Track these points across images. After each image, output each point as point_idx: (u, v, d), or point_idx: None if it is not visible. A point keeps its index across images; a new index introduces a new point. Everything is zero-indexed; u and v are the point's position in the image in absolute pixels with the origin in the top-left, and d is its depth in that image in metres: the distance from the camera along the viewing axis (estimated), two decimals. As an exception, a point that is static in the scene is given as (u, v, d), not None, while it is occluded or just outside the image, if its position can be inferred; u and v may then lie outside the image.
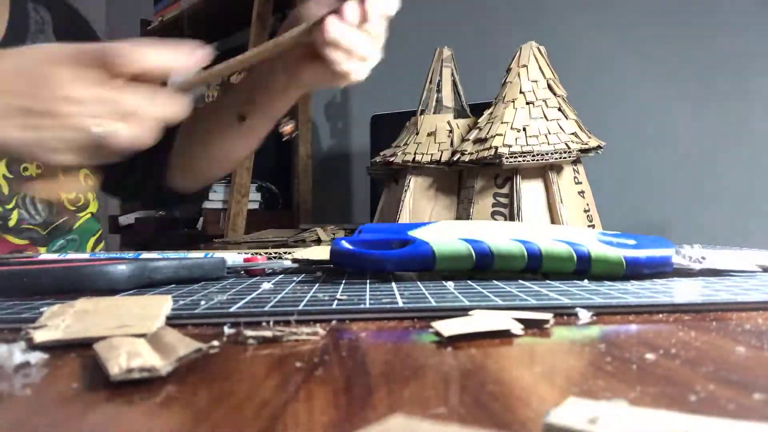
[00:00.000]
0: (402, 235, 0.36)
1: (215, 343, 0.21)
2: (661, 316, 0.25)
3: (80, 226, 0.69)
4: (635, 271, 0.34)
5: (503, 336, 0.22)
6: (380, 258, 0.34)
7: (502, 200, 0.64)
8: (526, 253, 0.34)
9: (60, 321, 0.22)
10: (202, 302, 0.28)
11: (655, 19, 1.08)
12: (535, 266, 0.34)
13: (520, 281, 0.33)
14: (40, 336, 0.21)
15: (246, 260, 0.41)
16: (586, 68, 1.16)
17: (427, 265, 0.34)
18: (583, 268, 0.34)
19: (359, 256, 0.35)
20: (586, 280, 0.33)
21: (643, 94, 1.10)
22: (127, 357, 0.17)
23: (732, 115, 0.99)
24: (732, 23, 0.99)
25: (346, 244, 0.35)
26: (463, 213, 0.69)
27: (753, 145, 0.97)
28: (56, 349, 0.21)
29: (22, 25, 0.65)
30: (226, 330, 0.24)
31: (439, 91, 0.77)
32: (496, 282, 0.33)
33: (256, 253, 0.46)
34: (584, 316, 0.25)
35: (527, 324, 0.23)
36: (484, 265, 0.34)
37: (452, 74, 0.77)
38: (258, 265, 0.41)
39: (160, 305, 0.24)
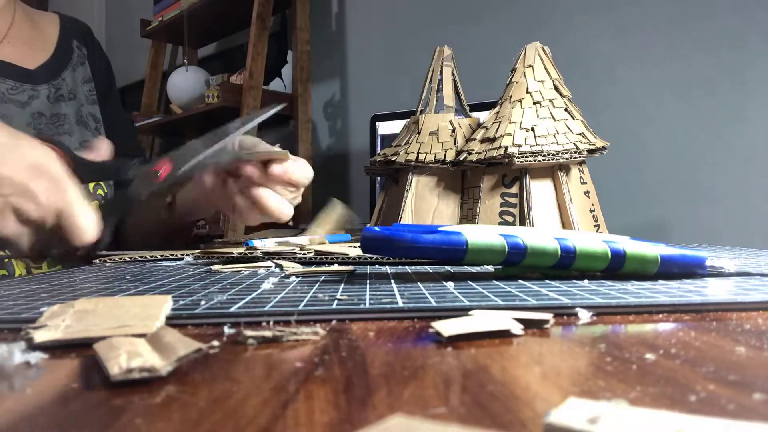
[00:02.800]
0: (433, 229, 0.36)
1: (215, 343, 0.21)
2: (661, 316, 0.25)
3: None
4: (668, 269, 0.34)
5: (503, 336, 0.22)
6: (411, 243, 0.33)
7: (511, 200, 0.64)
8: (559, 250, 0.33)
9: (60, 321, 0.22)
10: (202, 302, 0.28)
11: (653, 19, 1.08)
12: (567, 264, 0.34)
13: (520, 281, 0.33)
14: (40, 336, 0.21)
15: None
16: (584, 68, 1.16)
17: (458, 255, 0.34)
18: (616, 266, 0.34)
19: (391, 240, 0.34)
20: (586, 280, 0.33)
21: (640, 94, 1.10)
22: (127, 357, 0.17)
23: (732, 115, 0.99)
24: (732, 23, 0.99)
25: (377, 229, 0.35)
26: (468, 213, 0.69)
27: (754, 146, 0.97)
28: (56, 349, 0.21)
29: (67, 54, 0.81)
30: (226, 330, 0.24)
31: (439, 90, 0.77)
32: (496, 282, 0.33)
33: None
34: (584, 316, 0.25)
35: (527, 324, 0.23)
36: (514, 261, 0.34)
37: (452, 73, 0.77)
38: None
39: (160, 305, 0.24)
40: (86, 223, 0.45)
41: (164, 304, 0.24)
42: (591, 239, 0.34)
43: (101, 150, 0.55)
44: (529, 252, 0.34)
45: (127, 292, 0.32)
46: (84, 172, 0.50)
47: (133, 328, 0.21)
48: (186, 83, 1.80)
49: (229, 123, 0.55)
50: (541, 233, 0.35)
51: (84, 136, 0.78)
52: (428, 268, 0.42)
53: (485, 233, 0.34)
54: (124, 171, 0.52)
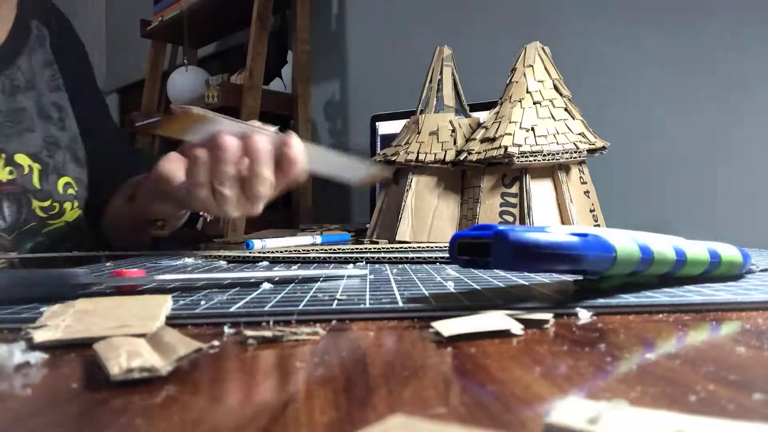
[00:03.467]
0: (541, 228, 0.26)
1: (215, 343, 0.21)
2: (661, 316, 0.25)
3: (50, 231, 0.69)
4: (744, 270, 0.34)
5: (503, 336, 0.22)
6: (569, 251, 0.25)
7: (511, 200, 0.64)
8: (675, 258, 0.30)
9: (60, 321, 0.22)
10: (202, 302, 0.28)
11: (653, 19, 1.08)
12: (674, 271, 0.31)
13: (520, 281, 0.33)
14: (40, 336, 0.21)
15: (114, 274, 0.31)
16: (584, 68, 1.16)
17: (605, 267, 0.27)
18: (710, 270, 0.33)
19: (545, 251, 0.24)
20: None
21: (640, 94, 1.10)
22: (128, 357, 0.17)
23: (733, 115, 0.99)
24: (732, 22, 0.99)
25: (531, 236, 0.24)
26: (468, 213, 0.69)
27: (754, 146, 0.97)
28: (56, 349, 0.21)
29: (23, 37, 0.73)
30: (226, 330, 0.24)
31: (439, 90, 0.77)
32: (495, 282, 0.33)
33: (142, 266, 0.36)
34: (584, 316, 0.25)
35: (527, 324, 0.23)
36: (637, 271, 0.29)
37: (452, 73, 0.77)
38: (130, 282, 0.31)
39: (160, 305, 0.24)
40: None
41: (164, 304, 0.24)
42: (694, 245, 0.32)
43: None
44: (655, 260, 0.29)
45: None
46: None
47: (133, 328, 0.21)
48: (186, 83, 1.80)
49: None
50: (657, 238, 0.31)
51: (47, 131, 0.71)
52: (428, 268, 0.42)
53: (621, 236, 0.28)
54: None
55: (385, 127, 1.26)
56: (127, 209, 0.68)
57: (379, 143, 1.26)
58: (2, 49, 0.70)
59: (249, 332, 0.22)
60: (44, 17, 0.77)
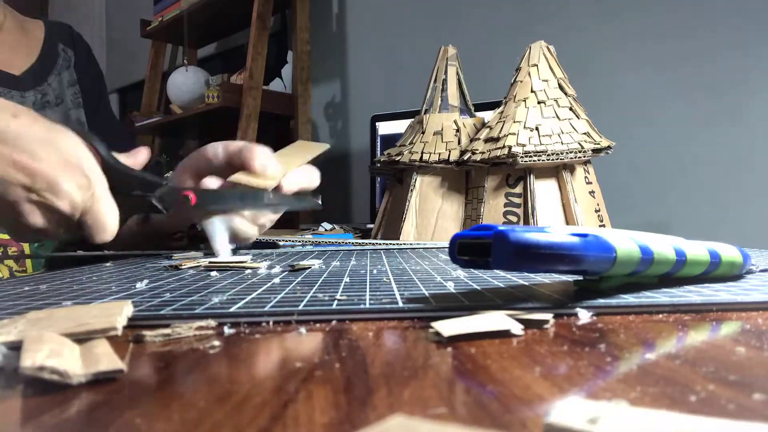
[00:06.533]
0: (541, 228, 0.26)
1: (216, 343, 0.21)
2: (661, 316, 0.25)
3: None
4: (744, 270, 0.34)
5: (503, 336, 0.22)
6: (569, 252, 0.25)
7: (515, 200, 0.64)
8: (675, 258, 0.30)
9: (12, 328, 0.21)
10: (202, 302, 0.28)
11: (654, 18, 1.08)
12: (674, 272, 0.31)
13: (520, 281, 0.33)
14: None
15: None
16: (589, 68, 1.16)
17: (604, 268, 0.27)
18: (710, 270, 0.32)
19: (545, 251, 0.24)
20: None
21: (643, 95, 1.10)
22: (47, 354, 0.16)
23: (733, 116, 0.99)
24: (732, 22, 0.98)
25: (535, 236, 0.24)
26: (472, 213, 0.69)
27: (754, 146, 0.96)
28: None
29: (52, 58, 0.81)
30: (226, 330, 0.24)
31: (444, 90, 0.77)
32: (496, 282, 0.33)
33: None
34: (584, 316, 0.25)
35: (527, 324, 0.23)
36: (636, 271, 0.29)
37: (457, 73, 0.77)
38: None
39: (120, 307, 0.23)
40: (110, 222, 0.45)
41: (125, 306, 0.24)
42: (694, 245, 0.32)
43: (139, 157, 0.53)
44: (655, 260, 0.29)
45: (127, 292, 0.32)
46: (113, 177, 0.48)
47: (93, 324, 0.21)
48: (186, 83, 1.80)
49: (261, 191, 0.53)
50: (657, 238, 0.31)
51: None
52: (428, 268, 0.42)
53: (620, 236, 0.28)
54: (151, 188, 0.50)
55: (385, 127, 1.26)
56: (138, 228, 0.71)
57: (379, 143, 1.26)
58: (35, 67, 0.78)
59: (147, 332, 0.22)
60: (69, 41, 0.85)
